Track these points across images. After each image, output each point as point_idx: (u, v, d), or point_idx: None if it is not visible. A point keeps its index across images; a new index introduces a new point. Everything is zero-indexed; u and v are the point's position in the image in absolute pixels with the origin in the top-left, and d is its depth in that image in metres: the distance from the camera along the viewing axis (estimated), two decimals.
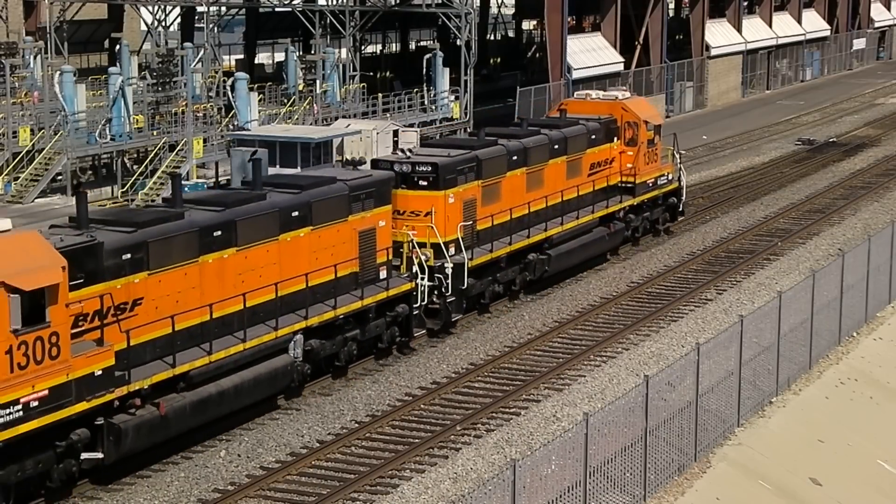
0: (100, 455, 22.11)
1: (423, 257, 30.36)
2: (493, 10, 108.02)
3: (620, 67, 72.13)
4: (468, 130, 59.31)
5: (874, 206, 47.73)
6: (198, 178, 50.89)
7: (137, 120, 54.49)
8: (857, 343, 31.46)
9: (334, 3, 67.40)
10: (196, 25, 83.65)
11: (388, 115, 60.74)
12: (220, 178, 52.70)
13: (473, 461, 23.43)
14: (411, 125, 55.72)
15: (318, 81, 62.74)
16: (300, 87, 64.01)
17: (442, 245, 30.95)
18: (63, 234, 22.47)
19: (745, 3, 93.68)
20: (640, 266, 38.85)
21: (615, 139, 40.09)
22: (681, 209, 43.67)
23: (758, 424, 25.55)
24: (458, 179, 32.08)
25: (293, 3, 70.65)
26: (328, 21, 65.89)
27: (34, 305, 20.36)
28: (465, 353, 30.24)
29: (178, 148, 50.69)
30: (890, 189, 51.54)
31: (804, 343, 28.71)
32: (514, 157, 34.64)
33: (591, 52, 70.31)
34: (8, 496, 20.84)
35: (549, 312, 33.76)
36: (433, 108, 63.39)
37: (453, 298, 31.14)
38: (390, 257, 29.45)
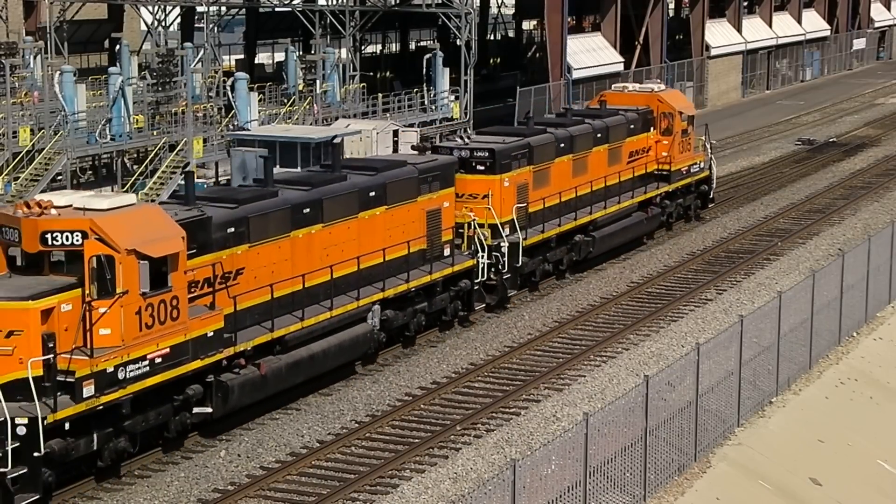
0: (209, 410, 24.14)
1: (481, 237, 32.41)
2: (493, 10, 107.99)
3: (620, 67, 72.14)
4: (468, 130, 59.28)
5: (874, 206, 47.74)
6: (198, 178, 50.91)
7: (137, 120, 54.47)
8: (857, 343, 31.47)
9: (334, 3, 67.38)
10: (196, 25, 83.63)
11: (388, 115, 60.71)
12: (219, 178, 52.75)
13: (473, 461, 23.43)
14: (411, 125, 55.75)
15: (318, 81, 62.72)
16: (300, 87, 63.98)
17: (499, 225, 33.17)
18: (175, 209, 24.40)
19: (745, 3, 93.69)
20: (640, 266, 38.86)
21: (651, 129, 42.46)
22: (711, 196, 45.89)
23: (758, 424, 25.55)
24: (512, 165, 34.24)
25: (293, 3, 70.63)
26: (328, 21, 65.88)
27: (159, 272, 22.50)
28: (465, 353, 30.24)
29: (178, 148, 50.68)
30: (890, 189, 51.54)
31: (804, 343, 28.71)
32: (562, 145, 36.94)
33: (591, 52, 70.32)
34: (135, 444, 22.86)
35: (549, 312, 33.77)
36: (433, 108, 63.37)
37: (509, 275, 33.39)
38: (453, 236, 31.73)
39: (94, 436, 21.79)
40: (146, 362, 22.30)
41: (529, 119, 39.33)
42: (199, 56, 65.55)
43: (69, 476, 22.09)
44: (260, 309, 25.36)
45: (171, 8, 72.35)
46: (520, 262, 33.51)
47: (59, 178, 51.60)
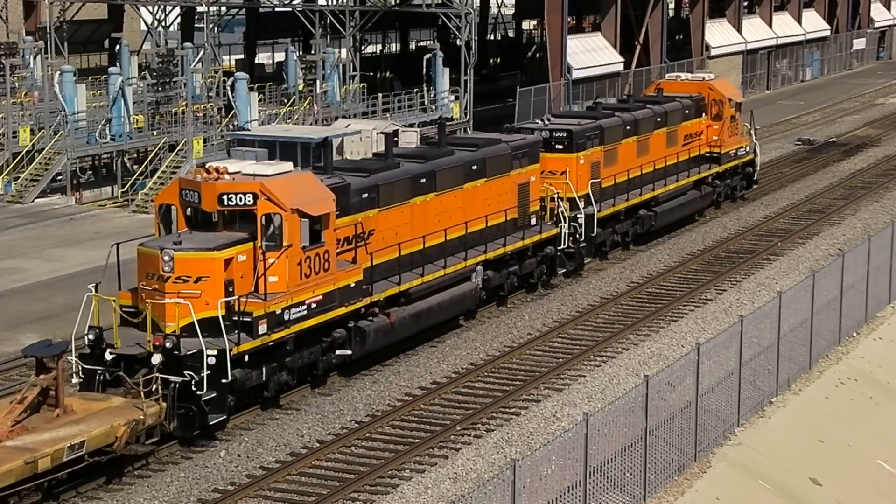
0: (349, 352, 27.52)
1: (562, 208, 35.72)
2: (493, 10, 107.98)
3: (620, 67, 72.13)
4: (468, 130, 59.29)
5: (874, 206, 47.73)
6: None
7: (137, 120, 54.49)
8: (857, 343, 31.47)
9: (334, 3, 67.37)
10: (196, 25, 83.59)
11: (388, 115, 60.74)
12: None
13: (473, 461, 23.43)
14: (411, 125, 55.77)
15: (318, 81, 62.74)
16: (300, 87, 64.01)
17: (576, 198, 36.51)
18: (319, 177, 27.46)
19: (745, 3, 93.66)
20: (640, 266, 38.86)
21: (703, 114, 46.01)
22: (755, 178, 49.55)
23: (758, 424, 25.56)
24: (586, 144, 37.68)
25: (293, 3, 70.62)
26: (328, 21, 65.86)
27: (315, 229, 26.04)
28: (465, 353, 30.24)
29: (178, 148, 50.70)
30: (890, 189, 51.54)
31: (804, 343, 28.71)
32: (628, 127, 40.38)
33: (591, 52, 70.29)
34: (293, 377, 26.32)
35: (549, 312, 33.77)
36: (433, 108, 63.40)
37: (585, 244, 36.96)
38: (539, 207, 34.97)
39: (263, 369, 25.12)
40: (304, 307, 25.76)
41: (598, 104, 43.75)
42: (199, 56, 65.54)
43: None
44: (387, 265, 28.77)
45: (171, 8, 72.34)
46: (595, 233, 37.06)
47: (59, 178, 51.63)
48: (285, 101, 63.08)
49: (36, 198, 50.22)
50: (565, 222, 35.71)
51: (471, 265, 31.70)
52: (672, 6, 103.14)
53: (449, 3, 60.51)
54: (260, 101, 58.41)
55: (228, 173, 25.56)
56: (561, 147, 36.87)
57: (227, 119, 56.06)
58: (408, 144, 33.49)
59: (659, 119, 42.36)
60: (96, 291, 25.04)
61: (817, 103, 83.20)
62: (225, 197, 25.24)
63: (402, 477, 22.92)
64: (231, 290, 24.53)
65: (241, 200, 25.23)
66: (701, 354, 23.21)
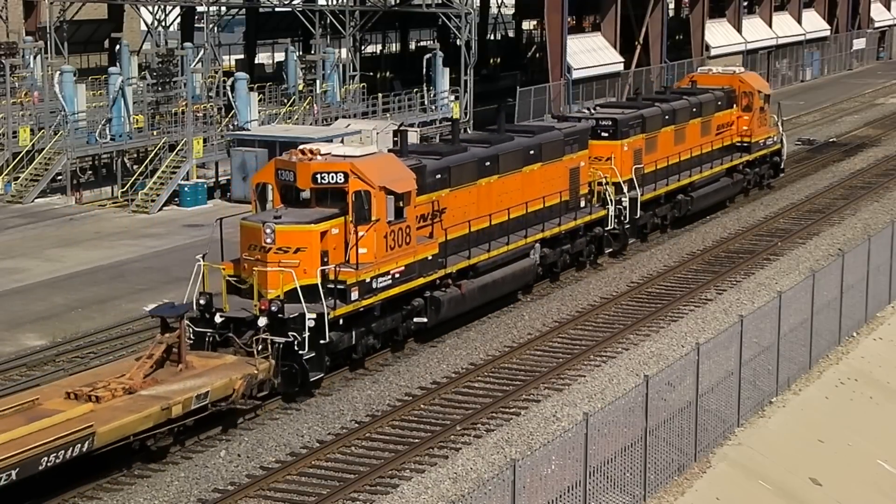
0: (425, 320, 29.80)
1: (608, 192, 37.94)
2: (493, 10, 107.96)
3: (620, 67, 72.16)
4: (468, 130, 59.27)
5: (874, 206, 47.72)
6: (198, 177, 50.92)
7: (137, 120, 54.49)
8: (857, 343, 31.46)
9: (334, 3, 67.35)
10: (196, 25, 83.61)
11: (388, 115, 60.74)
12: (219, 178, 52.75)
13: (473, 461, 23.42)
14: (411, 125, 55.76)
15: (318, 81, 62.75)
16: (300, 87, 64.00)
17: (621, 183, 38.73)
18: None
19: (745, 3, 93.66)
20: (640, 266, 38.85)
21: (734, 106, 48.26)
22: (782, 167, 51.86)
23: (758, 424, 25.55)
24: (629, 132, 39.90)
25: (293, 3, 70.62)
26: (328, 21, 65.86)
27: (398, 205, 28.39)
28: (465, 353, 30.24)
29: (178, 148, 50.68)
30: (890, 189, 51.53)
31: (804, 343, 28.70)
32: (666, 117, 42.67)
33: (591, 52, 70.31)
34: (378, 341, 28.87)
35: (549, 312, 33.76)
36: (433, 108, 63.39)
37: (629, 226, 39.30)
38: (587, 191, 37.29)
39: (353, 333, 27.54)
40: (389, 276, 28.17)
41: (639, 95, 48.03)
42: (199, 56, 65.51)
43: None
44: (458, 241, 31.11)
45: (171, 8, 72.32)
46: (638, 215, 39.42)
47: (59, 178, 51.63)
48: (285, 101, 63.08)
49: (36, 198, 50.22)
50: (611, 205, 38.02)
51: (530, 242, 34.04)
52: (672, 6, 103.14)
53: (449, 3, 60.50)
54: (260, 101, 58.41)
55: (321, 154, 27.99)
56: (606, 135, 39.15)
57: (227, 119, 56.05)
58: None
59: (694, 109, 44.70)
60: (204, 261, 27.31)
61: (817, 103, 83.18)
62: (318, 176, 27.67)
63: (402, 477, 22.91)
64: (326, 260, 27.01)
65: (333, 179, 27.62)
66: (701, 354, 23.20)
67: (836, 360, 29.99)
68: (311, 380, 26.48)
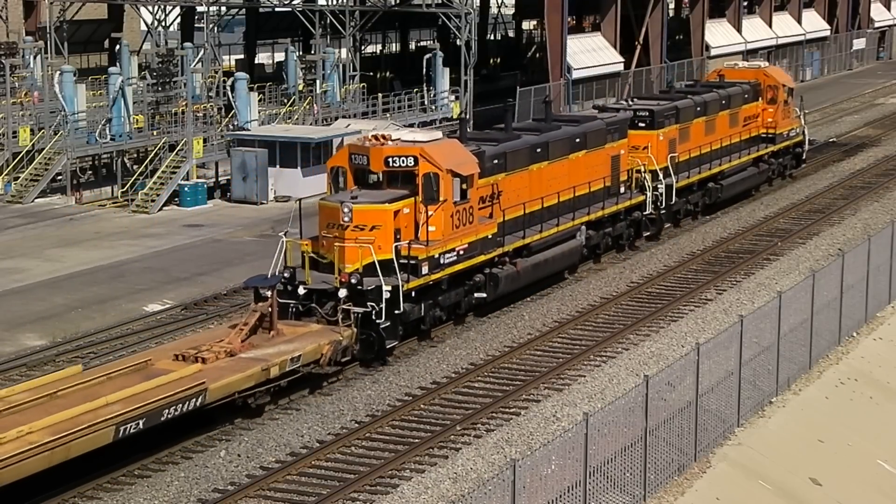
0: (485, 295, 31.98)
1: (645, 179, 40.09)
2: (493, 10, 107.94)
3: (620, 67, 72.13)
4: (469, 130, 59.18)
5: (874, 206, 47.71)
6: (198, 177, 50.91)
7: (137, 120, 54.47)
8: (857, 343, 31.46)
9: (334, 3, 67.34)
10: (196, 25, 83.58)
11: (388, 115, 60.75)
12: (219, 178, 52.75)
13: (473, 461, 23.42)
14: (411, 125, 55.73)
15: (318, 81, 62.73)
16: (300, 87, 63.99)
17: (657, 171, 40.78)
18: None
19: (745, 3, 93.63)
20: (640, 266, 38.85)
21: (759, 98, 50.34)
22: (804, 158, 54.05)
23: (758, 424, 25.55)
24: (665, 123, 42.18)
25: (293, 3, 70.60)
26: (328, 21, 65.85)
27: (463, 187, 30.61)
28: (465, 353, 30.24)
29: (178, 148, 50.67)
30: (890, 189, 51.52)
31: (804, 343, 28.70)
32: (698, 108, 44.81)
33: (591, 52, 70.29)
34: (444, 314, 31.00)
35: (549, 312, 33.76)
36: (433, 107, 63.41)
37: (664, 211, 41.50)
38: (626, 178, 39.25)
39: (422, 305, 29.70)
40: (454, 253, 30.39)
41: (671, 87, 50.93)
42: (199, 56, 65.50)
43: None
44: (513, 222, 33.18)
45: (171, 8, 72.31)
46: (673, 200, 41.57)
47: (59, 178, 51.62)
48: (285, 101, 63.07)
49: (36, 198, 50.21)
50: (649, 191, 40.17)
51: (577, 224, 36.35)
52: (672, 6, 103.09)
53: (449, 3, 60.50)
54: (260, 101, 58.41)
55: (392, 139, 30.19)
56: (643, 125, 41.37)
57: (227, 119, 56.04)
58: None
59: (723, 102, 46.82)
60: (286, 237, 29.85)
61: (817, 103, 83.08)
62: (390, 159, 29.93)
63: (402, 477, 22.91)
64: (398, 237, 29.18)
65: (404, 162, 29.88)
66: (701, 354, 23.19)
67: (836, 360, 29.98)
68: (388, 346, 28.72)
